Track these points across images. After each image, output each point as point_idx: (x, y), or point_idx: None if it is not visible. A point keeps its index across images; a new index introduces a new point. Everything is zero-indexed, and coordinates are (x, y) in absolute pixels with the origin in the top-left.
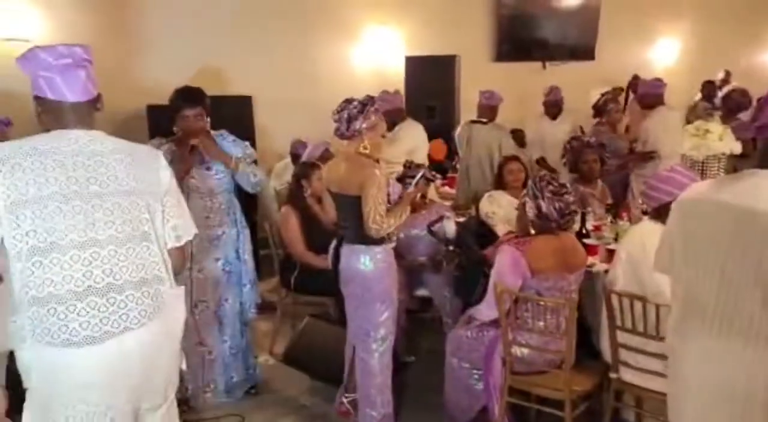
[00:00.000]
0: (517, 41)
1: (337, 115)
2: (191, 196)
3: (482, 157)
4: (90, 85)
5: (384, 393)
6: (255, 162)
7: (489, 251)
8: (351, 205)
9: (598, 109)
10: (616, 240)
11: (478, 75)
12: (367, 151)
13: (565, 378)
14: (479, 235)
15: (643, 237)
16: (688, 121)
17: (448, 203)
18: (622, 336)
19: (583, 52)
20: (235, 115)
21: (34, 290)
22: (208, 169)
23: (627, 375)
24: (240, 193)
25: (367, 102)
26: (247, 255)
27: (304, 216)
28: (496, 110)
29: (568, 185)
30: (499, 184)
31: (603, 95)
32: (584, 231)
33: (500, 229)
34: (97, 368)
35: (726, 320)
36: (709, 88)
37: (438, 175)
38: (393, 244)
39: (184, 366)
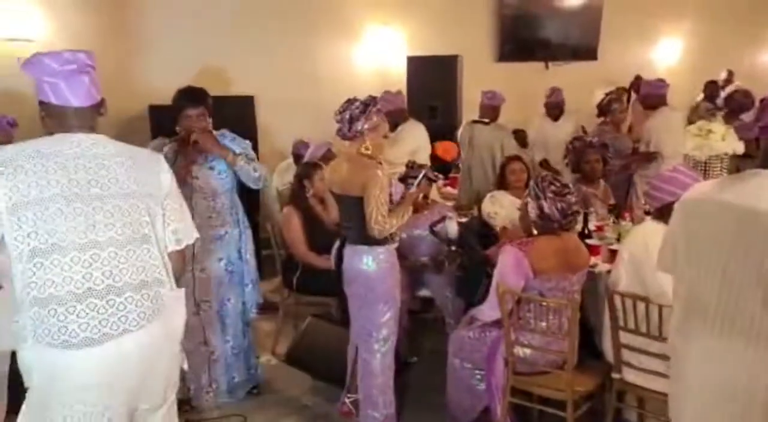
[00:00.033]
0: (520, 41)
1: (339, 116)
2: (194, 196)
3: (484, 157)
4: (93, 91)
5: (386, 394)
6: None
7: (491, 251)
8: (353, 206)
9: (602, 109)
10: (618, 240)
11: (481, 75)
12: (369, 152)
13: (568, 378)
14: (481, 236)
15: (646, 237)
16: (690, 122)
17: (450, 203)
18: (624, 337)
19: (586, 52)
20: (238, 115)
21: (35, 291)
22: (211, 168)
23: (629, 376)
24: (242, 193)
25: (369, 102)
26: (249, 255)
27: (306, 217)
28: (499, 110)
29: (570, 185)
30: (502, 184)
31: (607, 95)
32: (586, 231)
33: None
34: (95, 370)
35: (728, 320)
36: (711, 89)
37: (440, 175)
38: (396, 245)
39: (185, 367)
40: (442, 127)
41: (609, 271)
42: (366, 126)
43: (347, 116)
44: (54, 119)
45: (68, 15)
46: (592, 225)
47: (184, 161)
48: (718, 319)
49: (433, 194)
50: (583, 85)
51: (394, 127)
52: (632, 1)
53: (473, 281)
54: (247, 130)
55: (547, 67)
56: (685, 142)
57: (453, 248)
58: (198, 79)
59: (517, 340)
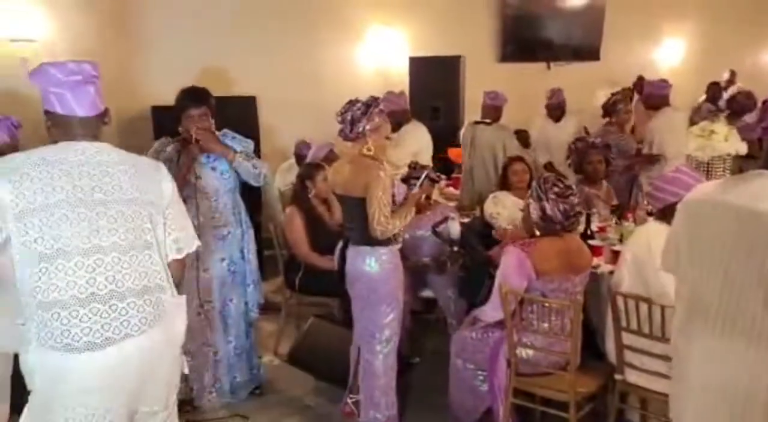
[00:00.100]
0: (522, 42)
1: (340, 117)
2: (197, 196)
3: (486, 157)
4: (98, 101)
5: (388, 395)
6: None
7: (493, 252)
8: (356, 207)
9: (607, 110)
10: (620, 241)
11: (483, 75)
12: (372, 153)
13: (570, 379)
14: (484, 236)
15: (649, 238)
16: (693, 122)
17: (452, 204)
18: (627, 338)
19: (588, 52)
20: (240, 115)
21: (40, 295)
22: (213, 169)
23: (632, 377)
24: (244, 193)
25: (371, 103)
26: (252, 255)
27: (308, 217)
28: (501, 111)
29: (573, 186)
30: (504, 184)
31: (613, 95)
32: (589, 232)
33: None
34: (97, 373)
35: (729, 320)
36: (714, 90)
37: (442, 176)
38: (399, 245)
39: (185, 370)
40: (445, 128)
41: (611, 272)
42: (368, 127)
43: (349, 117)
44: (59, 128)
45: (70, 15)
46: (594, 226)
47: (187, 160)
48: (719, 319)
49: (435, 195)
50: (586, 85)
51: (397, 127)
52: (635, 1)
53: (475, 282)
54: (249, 131)
55: (549, 67)
56: (688, 143)
57: (455, 249)
58: (200, 79)
59: (520, 341)
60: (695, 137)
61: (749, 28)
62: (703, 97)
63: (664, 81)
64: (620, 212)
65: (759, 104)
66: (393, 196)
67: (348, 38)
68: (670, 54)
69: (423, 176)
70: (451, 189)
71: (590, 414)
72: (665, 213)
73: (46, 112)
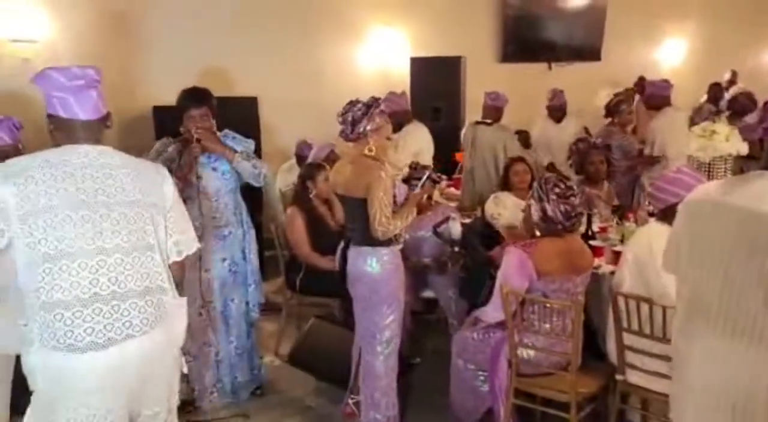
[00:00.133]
0: (523, 42)
1: (341, 118)
2: (199, 196)
3: (487, 158)
4: (100, 105)
5: (389, 396)
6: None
7: (494, 252)
8: (357, 207)
9: (610, 110)
10: (622, 241)
11: (484, 76)
12: (373, 153)
13: (571, 380)
14: (485, 237)
15: (650, 238)
16: (693, 123)
17: (453, 204)
18: (628, 338)
19: (589, 52)
20: (241, 115)
21: (44, 296)
22: (214, 169)
23: (633, 378)
24: (245, 193)
25: (372, 104)
26: (253, 255)
27: (309, 218)
28: (502, 111)
29: (574, 187)
30: (505, 185)
31: (616, 96)
32: (590, 232)
33: (505, 231)
34: (99, 373)
35: (730, 320)
36: (715, 90)
37: (443, 177)
38: (400, 246)
39: (185, 369)
40: (446, 128)
41: (613, 273)
42: (369, 127)
43: (350, 118)
44: (62, 132)
45: (71, 16)
46: (595, 227)
47: (189, 160)
48: (720, 319)
49: (436, 195)
50: (587, 85)
51: (398, 128)
52: (636, 1)
53: (476, 282)
54: (250, 131)
55: (550, 67)
56: (689, 143)
57: (456, 249)
58: (201, 80)
59: (521, 342)
60: (696, 137)
61: (750, 28)
62: (705, 97)
63: (666, 81)
64: (621, 212)
65: (760, 105)
66: (394, 196)
67: (349, 39)
68: (671, 54)
69: (425, 177)
70: (452, 189)
71: (591, 414)
72: (666, 214)
73: (49, 116)
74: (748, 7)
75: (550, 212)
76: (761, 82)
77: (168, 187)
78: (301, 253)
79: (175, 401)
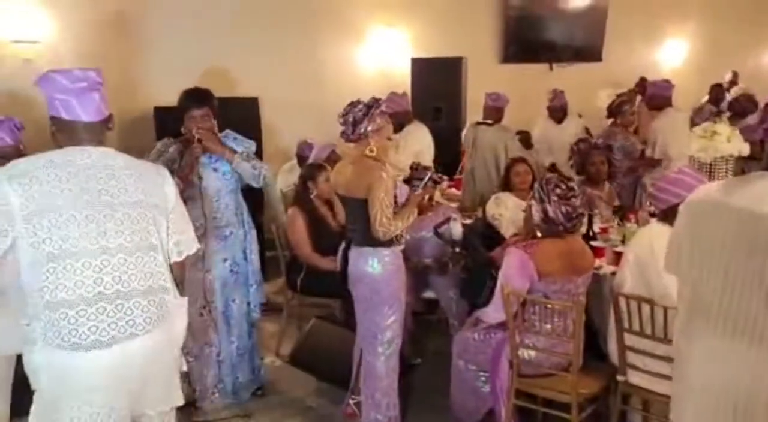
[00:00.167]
0: (524, 42)
1: (342, 118)
2: (201, 196)
3: (487, 158)
4: (103, 106)
5: (390, 396)
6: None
7: (495, 253)
8: (358, 208)
9: (612, 111)
10: (623, 242)
11: (485, 76)
12: (374, 154)
13: (572, 381)
14: (486, 237)
15: (651, 239)
16: (694, 123)
17: (453, 205)
18: (629, 339)
19: (590, 53)
20: (242, 116)
21: (48, 295)
22: (215, 170)
23: (634, 378)
24: (246, 194)
25: (372, 104)
26: (254, 256)
27: (310, 218)
28: (503, 112)
29: (575, 188)
30: (506, 185)
31: (618, 96)
32: (591, 233)
33: (507, 231)
34: (103, 372)
35: (731, 320)
36: (716, 91)
37: (444, 177)
38: (401, 246)
39: (184, 367)
40: (447, 129)
41: (614, 273)
42: (370, 128)
43: (351, 119)
44: (64, 134)
45: (73, 17)
46: (596, 227)
47: (190, 160)
48: (720, 320)
49: (437, 196)
50: (588, 86)
51: (399, 128)
52: (637, 2)
53: (477, 283)
54: (252, 131)
55: (551, 68)
56: (690, 144)
57: (457, 250)
58: (202, 80)
59: (522, 342)
60: (698, 138)
61: (751, 29)
62: (706, 98)
63: (667, 81)
64: (622, 213)
65: (761, 105)
66: (395, 197)
67: (350, 39)
68: (672, 55)
69: (426, 178)
70: (453, 190)
71: (592, 415)
72: (668, 215)
73: (52, 118)
74: (749, 7)
75: (551, 213)
76: (762, 82)
77: (169, 187)
78: (302, 254)
79: (180, 399)
